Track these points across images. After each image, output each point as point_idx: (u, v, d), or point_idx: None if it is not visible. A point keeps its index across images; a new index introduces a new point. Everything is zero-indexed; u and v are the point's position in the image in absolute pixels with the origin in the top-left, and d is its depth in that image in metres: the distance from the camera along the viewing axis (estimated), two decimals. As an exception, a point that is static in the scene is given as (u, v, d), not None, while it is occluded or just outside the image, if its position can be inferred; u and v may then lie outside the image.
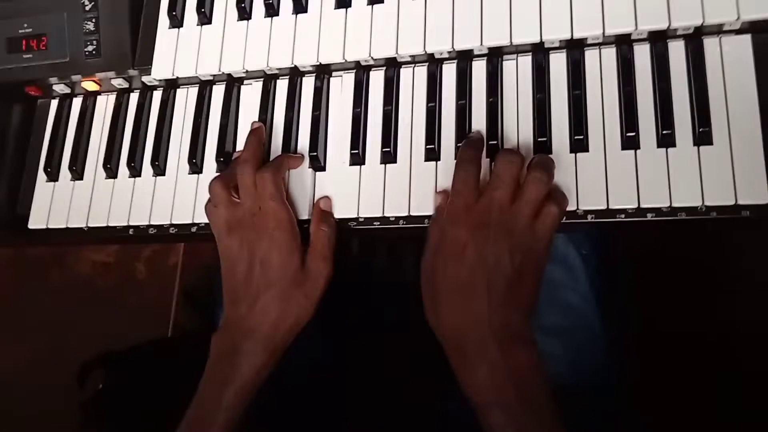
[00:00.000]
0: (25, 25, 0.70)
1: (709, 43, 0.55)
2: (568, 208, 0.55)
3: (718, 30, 0.55)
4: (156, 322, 1.40)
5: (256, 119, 0.67)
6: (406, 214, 0.60)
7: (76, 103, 0.75)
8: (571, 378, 0.67)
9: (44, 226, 0.72)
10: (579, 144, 0.56)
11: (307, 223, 0.62)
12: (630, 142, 0.55)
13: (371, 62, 0.63)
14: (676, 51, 0.56)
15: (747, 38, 0.54)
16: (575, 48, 0.58)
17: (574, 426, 0.49)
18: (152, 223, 0.68)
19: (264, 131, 0.65)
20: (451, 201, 0.55)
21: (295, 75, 0.66)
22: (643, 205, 0.54)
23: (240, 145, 0.66)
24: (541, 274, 0.53)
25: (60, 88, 0.74)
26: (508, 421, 0.49)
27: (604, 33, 0.55)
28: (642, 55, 0.57)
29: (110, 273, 1.48)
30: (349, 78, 0.65)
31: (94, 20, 0.68)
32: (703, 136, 0.53)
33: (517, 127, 0.58)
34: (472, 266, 0.51)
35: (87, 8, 0.68)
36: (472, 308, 0.51)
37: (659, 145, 0.55)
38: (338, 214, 0.62)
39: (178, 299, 1.41)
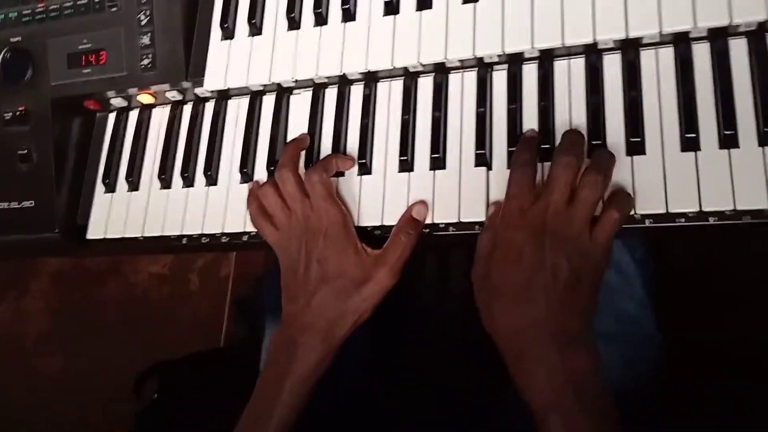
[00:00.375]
0: (85, 41, 0.72)
1: (774, 40, 0.52)
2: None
3: (783, 25, 0.52)
4: (208, 333, 1.43)
5: (306, 128, 0.67)
6: (455, 220, 0.59)
7: (133, 116, 0.77)
8: (624, 384, 0.65)
9: (102, 236, 0.73)
10: (636, 146, 0.54)
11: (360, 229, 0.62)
12: (690, 144, 0.53)
13: (420, 68, 0.63)
14: (738, 49, 0.54)
15: (815, 33, 0.51)
16: (630, 48, 0.57)
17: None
18: (205, 232, 0.69)
19: (307, 141, 0.66)
20: (506, 204, 0.54)
21: (344, 83, 0.67)
22: (705, 209, 0.52)
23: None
24: (600, 280, 0.52)
25: (117, 101, 0.76)
26: (566, 426, 0.47)
27: (660, 32, 0.54)
28: (701, 53, 0.55)
29: (165, 284, 1.52)
30: (398, 85, 0.65)
31: (149, 34, 0.70)
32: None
33: (571, 130, 0.57)
34: (529, 269, 0.50)
35: (143, 23, 0.70)
36: (529, 311, 0.50)
37: (721, 146, 0.52)
38: (387, 221, 0.61)
39: (230, 310, 1.43)
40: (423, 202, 0.60)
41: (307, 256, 0.59)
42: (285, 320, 0.60)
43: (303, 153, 0.66)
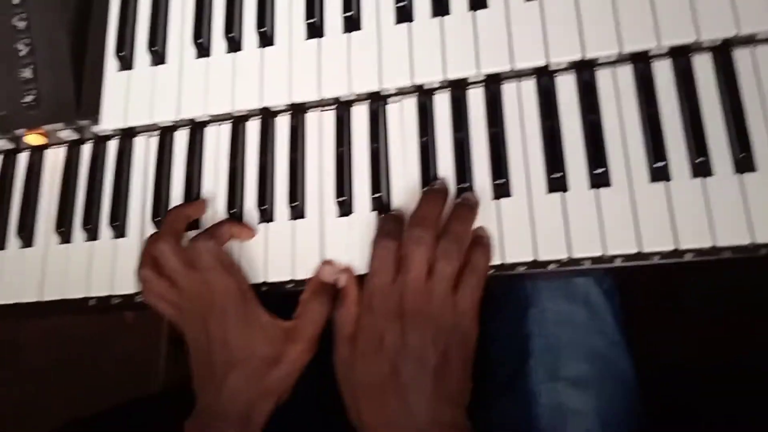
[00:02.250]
0: (-45, 78, 0.61)
1: (742, 56, 0.48)
2: (592, 254, 0.48)
3: (749, 40, 0.47)
4: (144, 370, 1.32)
5: (226, 166, 0.58)
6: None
7: (23, 158, 0.66)
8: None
9: (-8, 304, 0.63)
10: (600, 178, 0.49)
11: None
12: (660, 174, 0.48)
13: (352, 97, 0.55)
14: (703, 66, 0.49)
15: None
16: (585, 68, 0.51)
17: None
18: (114, 292, 0.59)
19: (203, 208, 0.58)
20: (366, 283, 0.50)
21: (267, 115, 0.58)
22: (682, 247, 0.47)
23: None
24: (471, 354, 0.48)
25: (2, 143, 0.65)
26: None
27: (620, 51, 0.48)
28: (663, 72, 0.49)
29: (94, 320, 1.39)
30: (329, 115, 0.57)
31: (31, 67, 0.59)
32: (744, 162, 0.46)
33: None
34: (392, 359, 0.46)
35: (22, 54, 0.59)
36: (396, 407, 0.46)
37: (694, 175, 0.47)
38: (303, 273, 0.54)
39: (167, 346, 1.33)
40: (329, 262, 0.53)
41: (207, 337, 0.51)
42: (198, 411, 0.52)
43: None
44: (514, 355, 0.61)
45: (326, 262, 0.53)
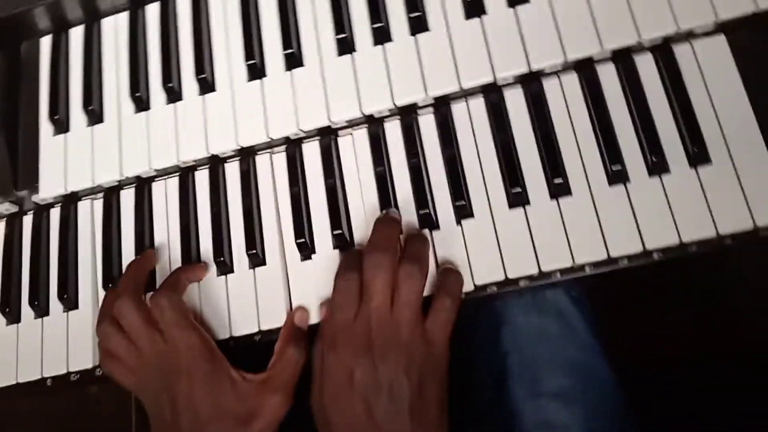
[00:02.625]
0: None
1: (683, 52, 0.48)
2: (561, 265, 0.47)
3: (687, 35, 0.48)
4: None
5: (177, 220, 0.56)
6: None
7: (-41, 239, 0.62)
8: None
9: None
10: (560, 189, 0.48)
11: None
12: (617, 177, 0.48)
13: (302, 134, 0.54)
14: (646, 65, 0.49)
15: (722, 39, 0.48)
16: (532, 81, 0.51)
17: None
18: (71, 369, 0.55)
19: (153, 259, 0.56)
20: (330, 319, 0.47)
21: (216, 163, 0.56)
22: (648, 247, 0.46)
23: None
24: (445, 382, 0.47)
25: (-64, 226, 0.61)
26: None
27: (565, 60, 0.48)
28: (609, 76, 0.50)
29: (58, 395, 1.31)
30: (280, 156, 0.55)
31: (-40, 142, 0.56)
32: (699, 156, 0.46)
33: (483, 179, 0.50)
34: (365, 396, 0.44)
35: (-51, 129, 0.56)
36: None
37: (651, 174, 0.47)
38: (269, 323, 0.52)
39: (137, 410, 1.26)
40: (302, 308, 0.51)
41: (172, 401, 0.47)
42: None
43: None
44: (493, 376, 0.60)
45: (299, 308, 0.51)
